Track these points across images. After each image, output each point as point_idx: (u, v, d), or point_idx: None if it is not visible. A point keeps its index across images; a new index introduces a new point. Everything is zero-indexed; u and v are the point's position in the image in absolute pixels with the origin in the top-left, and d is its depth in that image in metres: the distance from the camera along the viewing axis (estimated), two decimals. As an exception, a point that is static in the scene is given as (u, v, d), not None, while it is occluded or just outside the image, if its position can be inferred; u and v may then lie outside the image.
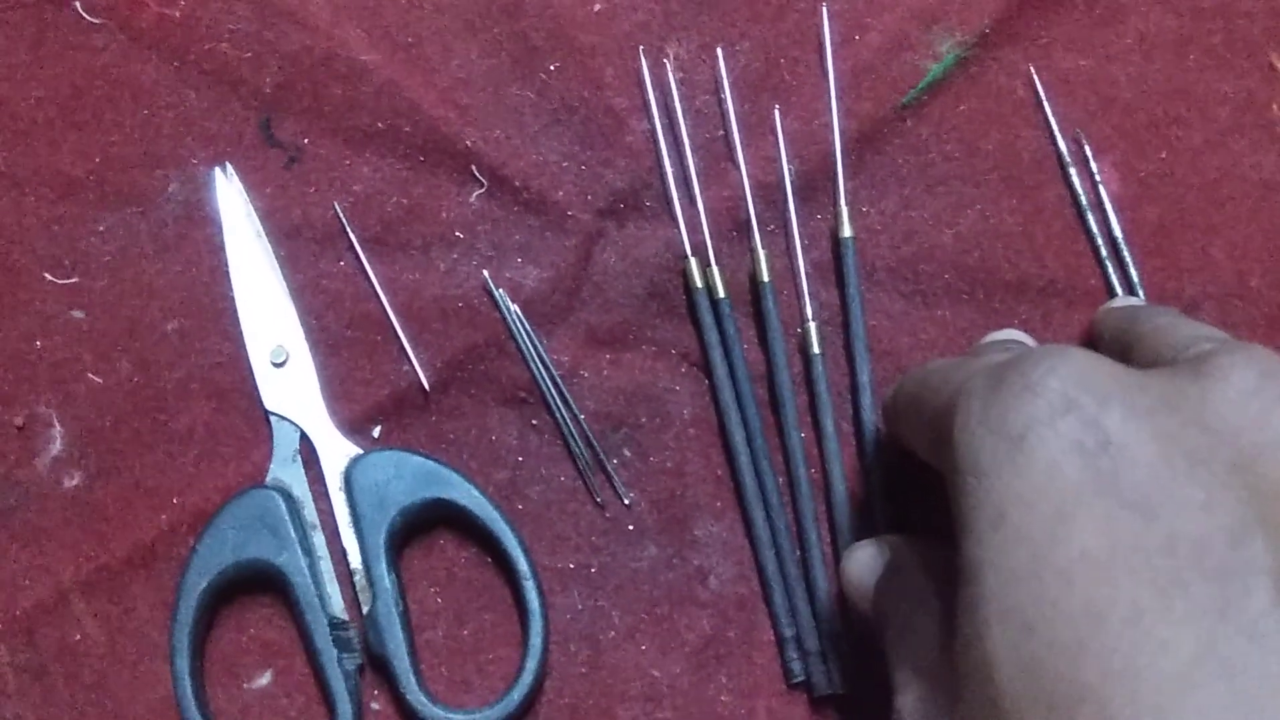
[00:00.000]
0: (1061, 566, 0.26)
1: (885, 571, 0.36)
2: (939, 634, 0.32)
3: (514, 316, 0.42)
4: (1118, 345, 0.36)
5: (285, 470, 0.41)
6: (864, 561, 0.36)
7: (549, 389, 0.41)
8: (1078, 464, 0.27)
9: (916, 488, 0.39)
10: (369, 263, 0.42)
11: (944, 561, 0.34)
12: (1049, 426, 0.27)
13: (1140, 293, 0.42)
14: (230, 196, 0.43)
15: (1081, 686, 0.25)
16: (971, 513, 0.28)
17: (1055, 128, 0.43)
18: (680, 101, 0.43)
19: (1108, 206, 0.42)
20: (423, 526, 0.41)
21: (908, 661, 0.33)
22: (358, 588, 0.40)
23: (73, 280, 0.43)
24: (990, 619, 0.27)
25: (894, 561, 0.36)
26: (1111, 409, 0.27)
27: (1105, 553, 0.26)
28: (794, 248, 0.42)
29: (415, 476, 0.40)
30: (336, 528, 0.40)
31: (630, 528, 0.41)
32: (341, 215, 0.43)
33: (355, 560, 0.40)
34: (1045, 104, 0.43)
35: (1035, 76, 0.43)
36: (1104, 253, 0.42)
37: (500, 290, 0.42)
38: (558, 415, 0.41)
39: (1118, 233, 0.42)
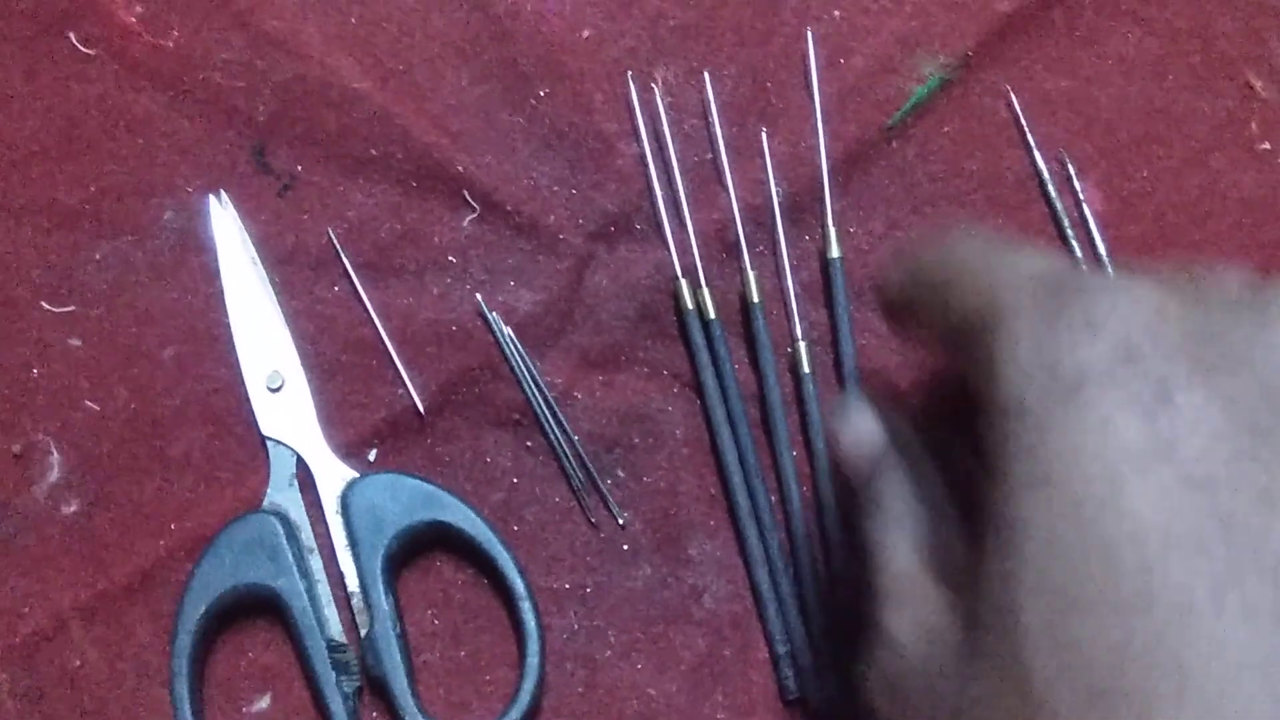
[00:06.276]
0: (1110, 542, 0.24)
1: (882, 459, 0.32)
2: (960, 548, 0.29)
3: (507, 339, 0.42)
4: None
5: (282, 494, 0.41)
6: (862, 433, 0.33)
7: (543, 411, 0.42)
8: (1136, 424, 0.24)
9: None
10: (363, 288, 0.43)
11: (952, 467, 0.31)
12: (1109, 375, 0.24)
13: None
14: (225, 224, 0.43)
15: (1123, 679, 0.23)
16: (1009, 462, 0.25)
17: (1034, 147, 0.44)
18: (669, 125, 0.44)
19: (1091, 225, 0.43)
20: (419, 549, 0.41)
21: (902, 566, 0.29)
22: (355, 610, 0.40)
23: (69, 308, 0.43)
24: (1027, 591, 0.24)
25: (892, 450, 0.32)
26: (1177, 362, 0.24)
27: (1158, 532, 0.23)
28: (783, 269, 0.43)
29: (411, 499, 0.40)
30: (334, 551, 0.40)
31: (625, 547, 0.41)
32: (335, 241, 0.43)
33: (353, 583, 0.40)
34: (1024, 125, 0.44)
35: (1015, 98, 0.44)
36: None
37: (493, 313, 0.43)
38: (552, 437, 0.42)
39: (1101, 250, 0.43)
